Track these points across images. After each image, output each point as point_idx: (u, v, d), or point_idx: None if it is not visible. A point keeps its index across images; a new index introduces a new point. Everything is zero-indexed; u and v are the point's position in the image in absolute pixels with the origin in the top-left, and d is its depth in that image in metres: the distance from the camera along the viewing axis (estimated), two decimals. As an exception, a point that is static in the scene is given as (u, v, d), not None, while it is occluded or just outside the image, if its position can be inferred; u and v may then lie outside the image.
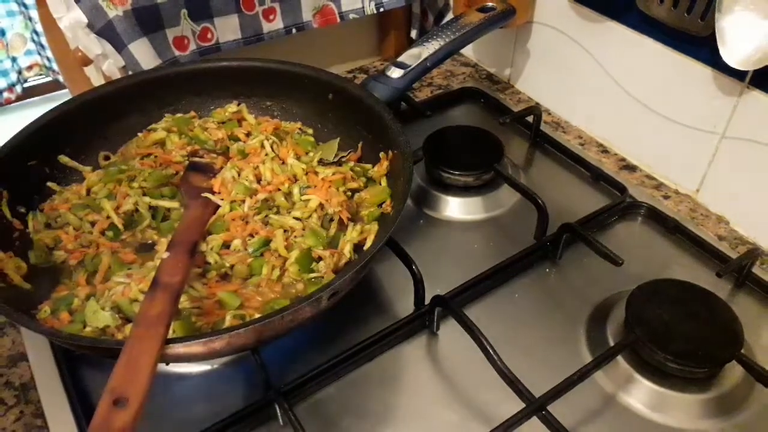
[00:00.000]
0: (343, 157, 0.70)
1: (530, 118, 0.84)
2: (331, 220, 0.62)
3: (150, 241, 0.62)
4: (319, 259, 0.59)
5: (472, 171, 0.75)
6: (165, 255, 0.54)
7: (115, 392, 0.41)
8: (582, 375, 0.54)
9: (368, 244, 0.60)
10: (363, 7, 0.92)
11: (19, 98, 2.18)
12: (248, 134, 0.72)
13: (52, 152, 0.66)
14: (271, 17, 0.86)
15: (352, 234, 0.61)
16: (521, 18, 0.85)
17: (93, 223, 0.62)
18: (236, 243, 0.59)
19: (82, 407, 0.55)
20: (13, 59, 2.13)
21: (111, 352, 0.45)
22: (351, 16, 0.92)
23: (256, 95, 0.75)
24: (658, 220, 0.73)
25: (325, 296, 0.50)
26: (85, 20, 0.73)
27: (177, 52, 0.80)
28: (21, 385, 0.58)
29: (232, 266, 0.58)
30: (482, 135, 0.81)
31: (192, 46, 0.81)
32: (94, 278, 0.57)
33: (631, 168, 0.82)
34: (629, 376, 0.57)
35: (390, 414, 0.56)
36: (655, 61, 0.74)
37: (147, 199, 0.64)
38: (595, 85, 0.83)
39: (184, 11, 0.78)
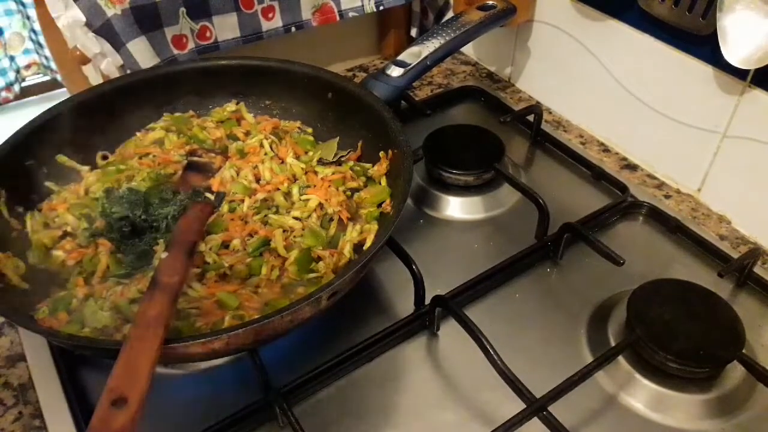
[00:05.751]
0: (342, 156, 0.69)
1: (531, 117, 0.84)
2: (331, 219, 0.62)
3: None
4: (319, 259, 0.58)
5: (472, 170, 0.75)
6: (163, 255, 0.54)
7: (114, 393, 0.41)
8: (583, 375, 0.53)
9: (368, 243, 0.59)
10: (362, 6, 0.92)
11: (17, 97, 2.18)
12: (247, 133, 0.72)
13: (50, 152, 0.65)
14: (270, 15, 0.86)
15: (351, 234, 0.60)
16: (522, 16, 0.85)
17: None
18: (235, 243, 0.59)
19: (81, 408, 0.55)
20: (11, 58, 2.12)
21: (109, 353, 0.45)
22: (350, 14, 0.91)
23: (255, 94, 0.75)
24: (659, 219, 0.73)
25: (324, 296, 0.50)
26: (84, 19, 0.73)
27: (175, 51, 0.80)
28: (19, 386, 0.58)
29: (231, 266, 0.57)
30: (483, 134, 0.81)
31: (191, 45, 0.81)
32: (92, 278, 0.57)
33: (632, 167, 0.82)
34: (630, 376, 0.57)
35: (390, 414, 0.56)
36: (656, 60, 0.74)
37: (146, 198, 0.63)
38: (596, 84, 0.83)
39: (182, 10, 0.78)
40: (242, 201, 0.63)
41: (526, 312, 0.64)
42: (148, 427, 0.54)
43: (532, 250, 0.67)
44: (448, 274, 0.65)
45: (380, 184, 0.65)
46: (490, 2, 0.78)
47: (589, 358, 0.59)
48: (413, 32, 1.06)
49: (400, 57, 0.71)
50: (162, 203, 0.61)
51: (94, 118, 0.68)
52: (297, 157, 0.68)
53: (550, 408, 0.52)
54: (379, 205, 0.63)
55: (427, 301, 0.61)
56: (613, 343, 0.59)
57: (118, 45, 0.75)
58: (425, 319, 0.61)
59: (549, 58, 0.89)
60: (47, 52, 2.14)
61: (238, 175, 0.66)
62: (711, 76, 0.69)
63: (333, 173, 0.65)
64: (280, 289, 0.56)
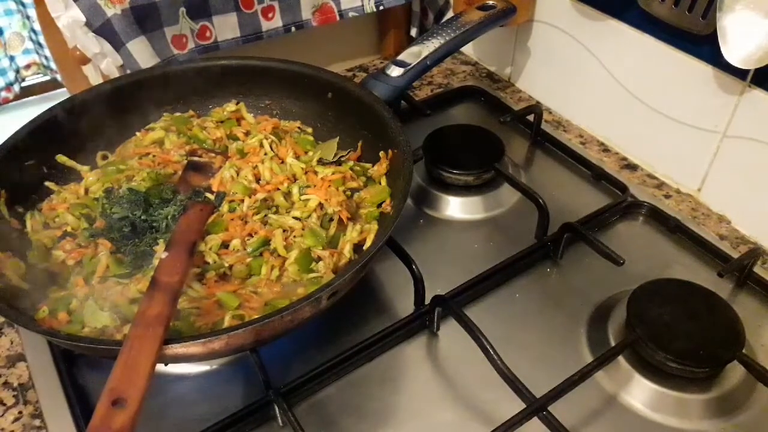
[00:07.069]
0: (342, 156, 0.69)
1: (531, 117, 0.84)
2: (331, 219, 0.62)
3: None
4: (319, 259, 0.58)
5: (472, 170, 0.75)
6: (164, 255, 0.54)
7: (114, 392, 0.41)
8: (583, 375, 0.53)
9: (368, 243, 0.59)
10: (362, 5, 0.92)
11: (17, 97, 2.18)
12: (247, 133, 0.72)
13: (50, 151, 0.65)
14: (270, 15, 0.86)
15: (351, 234, 0.60)
16: (522, 16, 0.85)
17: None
18: (235, 243, 0.59)
19: (81, 408, 0.55)
20: (11, 58, 2.12)
21: (109, 353, 0.45)
22: (350, 14, 0.91)
23: (255, 94, 0.75)
24: (659, 219, 0.73)
25: (324, 296, 0.50)
26: (84, 19, 0.73)
27: (175, 51, 0.80)
28: (19, 386, 0.58)
29: (230, 266, 0.57)
30: (482, 134, 0.81)
31: (191, 45, 0.81)
32: (92, 278, 0.57)
33: (632, 167, 0.82)
34: (630, 376, 0.57)
35: (390, 414, 0.56)
36: (656, 60, 0.74)
37: (145, 198, 0.63)
38: (596, 84, 0.83)
39: (182, 10, 0.78)
40: (242, 201, 0.63)
41: (526, 312, 0.64)
42: (148, 427, 0.54)
43: (532, 250, 0.67)
44: (448, 274, 0.65)
45: (380, 184, 0.65)
46: (490, 2, 0.78)
47: (589, 358, 0.59)
48: (413, 32, 1.06)
49: (400, 57, 0.71)
50: (162, 203, 0.61)
51: (94, 118, 0.68)
52: (297, 157, 0.68)
53: (550, 408, 0.52)
54: (379, 205, 0.63)
55: (427, 301, 0.61)
56: (613, 343, 0.59)
57: (117, 45, 0.75)
58: (425, 319, 0.61)
59: (549, 58, 0.89)
60: (47, 52, 2.14)
61: (238, 175, 0.66)
62: (711, 76, 0.69)
63: (333, 173, 0.65)
64: (280, 289, 0.56)
